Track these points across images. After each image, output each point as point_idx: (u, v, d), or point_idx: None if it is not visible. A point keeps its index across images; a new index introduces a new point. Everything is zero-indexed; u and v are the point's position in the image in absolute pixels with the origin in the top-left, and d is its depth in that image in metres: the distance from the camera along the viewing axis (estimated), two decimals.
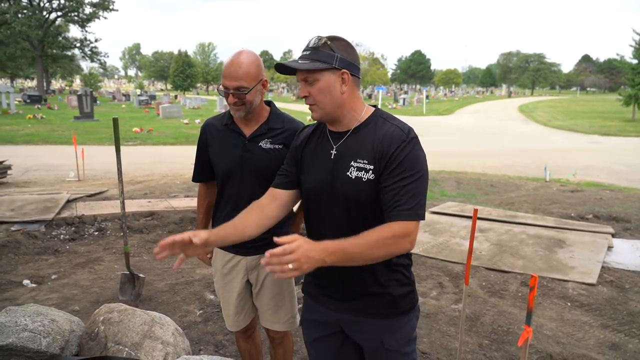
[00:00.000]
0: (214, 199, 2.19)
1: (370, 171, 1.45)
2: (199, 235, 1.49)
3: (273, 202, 1.64)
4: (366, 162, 1.46)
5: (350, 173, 1.48)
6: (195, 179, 2.21)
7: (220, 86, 1.89)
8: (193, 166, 2.21)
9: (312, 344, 1.76)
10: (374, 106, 1.59)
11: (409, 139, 1.44)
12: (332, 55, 1.44)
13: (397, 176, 1.41)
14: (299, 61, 1.45)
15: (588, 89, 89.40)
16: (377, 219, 1.44)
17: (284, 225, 2.01)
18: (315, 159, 1.59)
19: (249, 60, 1.85)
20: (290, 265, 1.26)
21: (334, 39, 1.47)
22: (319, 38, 1.47)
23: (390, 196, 1.41)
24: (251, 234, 1.60)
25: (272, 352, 2.32)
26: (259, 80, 1.88)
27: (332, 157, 1.54)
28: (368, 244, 1.34)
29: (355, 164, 1.48)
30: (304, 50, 1.49)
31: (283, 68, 1.47)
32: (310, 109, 1.51)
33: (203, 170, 2.16)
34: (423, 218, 1.42)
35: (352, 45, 1.53)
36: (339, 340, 1.68)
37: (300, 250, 1.26)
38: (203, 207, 2.26)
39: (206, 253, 2.18)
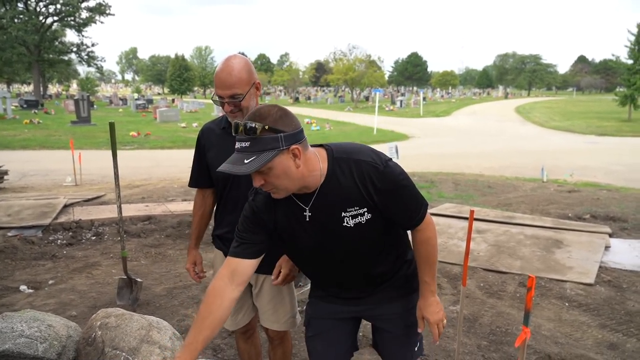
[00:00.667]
0: (209, 208, 2.21)
1: (365, 212, 1.47)
2: None
3: (232, 281, 1.51)
4: (357, 207, 1.46)
5: (347, 223, 1.47)
6: (191, 184, 2.20)
7: (214, 96, 1.90)
8: (190, 170, 2.20)
9: (318, 338, 1.79)
10: (321, 145, 1.49)
11: (384, 165, 1.44)
12: (275, 138, 1.30)
13: (398, 201, 1.49)
14: (245, 161, 1.29)
15: (584, 89, 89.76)
16: (379, 247, 1.60)
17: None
18: (291, 223, 1.52)
19: (239, 66, 1.85)
20: (442, 325, 1.69)
21: (265, 117, 1.31)
22: (252, 125, 1.29)
23: (402, 215, 1.53)
24: (223, 322, 1.60)
25: (270, 353, 2.32)
26: (252, 84, 1.88)
27: (308, 220, 1.49)
28: (429, 261, 1.62)
29: (347, 214, 1.46)
30: (240, 139, 1.32)
31: (229, 174, 1.36)
32: (271, 192, 1.41)
33: (200, 176, 2.15)
34: (427, 204, 1.59)
35: (284, 110, 1.36)
36: (349, 326, 1.81)
37: (431, 316, 1.66)
38: (198, 215, 2.24)
39: None
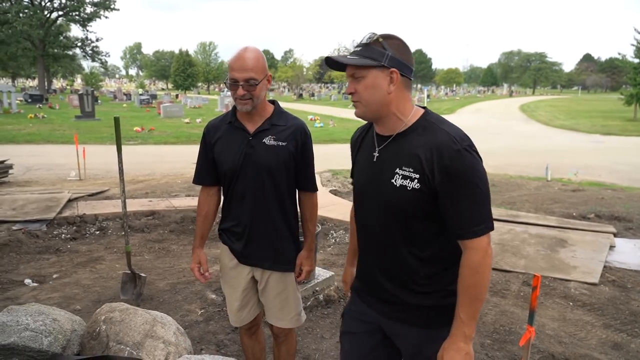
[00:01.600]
0: (214, 207, 2.18)
1: (416, 180, 1.39)
2: None
3: None
4: (411, 170, 1.40)
5: (395, 181, 1.43)
6: (195, 181, 2.18)
7: (228, 80, 1.88)
8: (195, 165, 2.19)
9: (348, 336, 1.71)
10: (424, 108, 1.51)
11: (462, 147, 1.35)
12: (382, 53, 1.39)
13: (457, 193, 1.35)
14: (349, 56, 1.43)
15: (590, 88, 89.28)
16: (417, 227, 1.44)
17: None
18: (362, 160, 1.59)
19: (257, 54, 1.88)
20: None
21: (387, 37, 1.42)
22: (372, 35, 1.43)
23: (456, 216, 1.37)
24: None
25: (275, 350, 2.33)
26: (266, 74, 1.91)
27: (375, 160, 1.51)
28: (472, 294, 1.38)
29: (401, 172, 1.42)
30: (356, 47, 1.46)
31: (332, 62, 1.46)
32: (354, 105, 1.48)
33: (205, 173, 2.12)
34: (492, 228, 1.39)
35: (407, 46, 1.46)
36: (376, 339, 1.64)
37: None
38: (202, 215, 2.19)
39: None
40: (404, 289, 1.51)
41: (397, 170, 1.43)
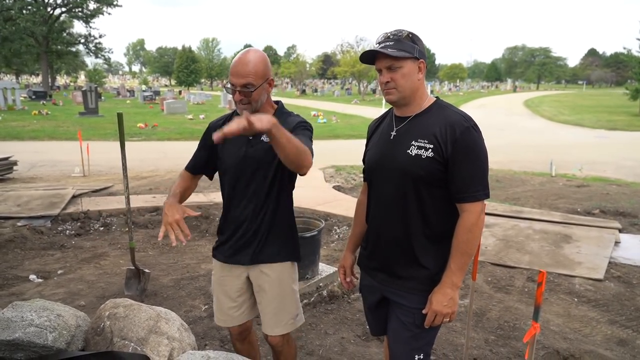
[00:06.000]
0: (190, 192, 2.13)
1: (430, 150, 1.61)
2: None
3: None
4: (426, 142, 1.63)
5: (411, 151, 1.65)
6: (188, 167, 2.15)
7: (227, 83, 1.88)
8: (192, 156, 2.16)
9: (369, 310, 1.97)
10: (436, 97, 1.76)
11: (471, 125, 1.61)
12: (413, 47, 1.63)
13: (463, 162, 1.59)
14: (389, 50, 1.61)
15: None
16: (429, 195, 1.65)
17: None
18: (378, 140, 1.81)
19: (257, 59, 1.85)
20: (447, 319, 1.66)
21: (411, 33, 1.66)
22: (401, 31, 1.64)
23: (460, 180, 1.60)
24: None
25: (275, 359, 2.28)
26: (266, 79, 1.88)
27: (392, 138, 1.73)
28: (463, 249, 1.62)
29: (416, 143, 1.65)
30: (385, 41, 1.64)
31: (369, 55, 1.65)
32: (387, 92, 1.67)
33: (198, 163, 2.13)
34: (488, 196, 1.64)
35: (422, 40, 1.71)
36: (388, 308, 1.85)
37: (437, 305, 1.63)
38: (181, 188, 2.06)
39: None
40: (412, 262, 1.71)
41: (413, 142, 1.65)
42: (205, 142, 2.10)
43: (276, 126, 1.48)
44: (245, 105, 1.88)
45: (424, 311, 1.68)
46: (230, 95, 2.09)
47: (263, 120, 1.44)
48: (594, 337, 3.19)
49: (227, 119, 2.06)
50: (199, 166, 2.14)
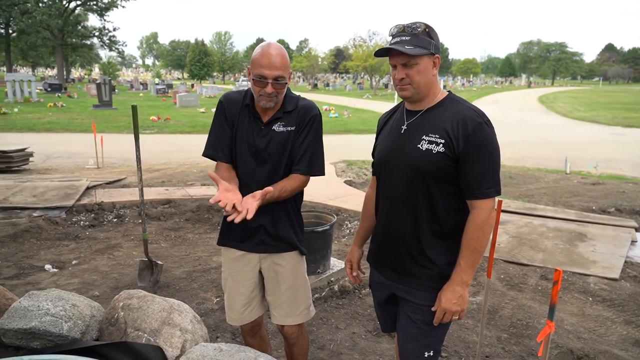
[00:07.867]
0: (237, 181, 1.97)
1: (441, 144, 1.58)
2: None
3: None
4: (437, 136, 1.59)
5: (421, 145, 1.62)
6: (208, 152, 1.99)
7: (255, 76, 1.82)
8: (207, 139, 2.02)
9: (378, 306, 1.96)
10: (448, 91, 1.72)
11: (483, 121, 1.57)
12: (429, 42, 1.58)
13: (475, 158, 1.56)
14: (406, 46, 1.55)
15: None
16: (439, 191, 1.62)
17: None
18: (389, 133, 1.78)
19: (283, 51, 1.87)
20: (457, 317, 1.63)
21: (427, 26, 1.60)
22: (418, 25, 1.59)
23: (471, 177, 1.57)
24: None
25: (287, 350, 2.28)
26: (290, 72, 1.90)
27: (402, 132, 1.70)
28: (473, 246, 1.59)
29: (427, 138, 1.61)
30: (400, 34, 1.59)
31: (385, 50, 1.60)
32: (402, 88, 1.63)
33: (220, 144, 1.97)
34: (500, 193, 1.61)
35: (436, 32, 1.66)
36: (397, 304, 1.83)
37: (446, 303, 1.60)
38: (231, 181, 1.91)
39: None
40: (420, 258, 1.68)
41: (424, 137, 1.62)
42: (225, 119, 1.99)
43: (264, 198, 1.74)
44: (272, 98, 1.85)
45: (433, 308, 1.66)
46: (242, 90, 2.04)
47: (253, 206, 1.69)
48: (609, 337, 3.14)
49: (244, 99, 1.97)
50: (224, 146, 1.98)
